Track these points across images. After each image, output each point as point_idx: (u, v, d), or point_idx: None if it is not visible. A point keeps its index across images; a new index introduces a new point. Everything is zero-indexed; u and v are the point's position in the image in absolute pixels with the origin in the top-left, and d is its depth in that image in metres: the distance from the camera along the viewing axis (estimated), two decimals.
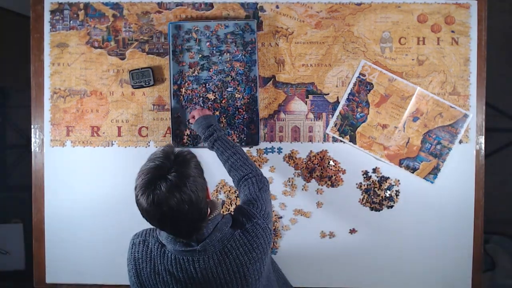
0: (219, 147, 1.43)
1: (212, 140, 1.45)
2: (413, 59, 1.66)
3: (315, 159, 1.66)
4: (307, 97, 1.68)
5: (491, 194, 2.68)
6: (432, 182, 1.66)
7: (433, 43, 1.66)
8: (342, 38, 1.67)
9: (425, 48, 1.66)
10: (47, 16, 1.69)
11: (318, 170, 1.66)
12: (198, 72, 1.66)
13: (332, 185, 1.66)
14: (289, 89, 1.68)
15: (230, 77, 1.66)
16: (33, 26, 1.70)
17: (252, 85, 1.65)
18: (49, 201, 1.70)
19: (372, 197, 1.67)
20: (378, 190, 1.66)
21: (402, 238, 1.68)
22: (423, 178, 1.66)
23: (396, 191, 1.66)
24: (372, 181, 1.66)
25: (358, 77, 1.66)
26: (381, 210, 1.67)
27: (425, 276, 1.68)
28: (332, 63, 1.67)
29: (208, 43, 1.66)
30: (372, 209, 1.67)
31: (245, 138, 1.66)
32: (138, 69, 1.66)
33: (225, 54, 1.66)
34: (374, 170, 1.67)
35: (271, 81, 1.68)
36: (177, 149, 1.16)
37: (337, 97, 1.67)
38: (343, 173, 1.66)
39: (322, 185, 1.66)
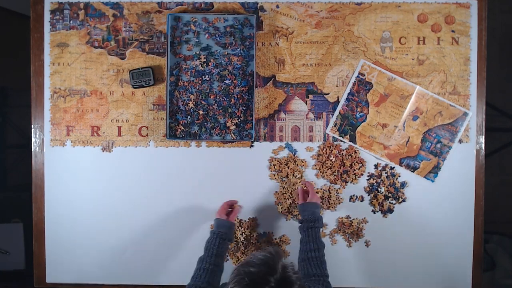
0: (309, 236, 1.45)
1: (308, 226, 1.46)
2: (413, 59, 1.66)
3: (325, 153, 1.66)
4: (307, 97, 1.68)
5: (491, 194, 2.69)
6: (432, 181, 1.66)
7: (433, 43, 1.66)
8: (342, 38, 1.67)
9: (425, 47, 1.66)
10: (47, 16, 1.69)
11: (337, 166, 1.66)
12: (195, 64, 1.66)
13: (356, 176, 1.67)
14: (289, 88, 1.68)
15: (227, 71, 1.66)
16: (33, 26, 1.70)
17: (249, 79, 1.65)
18: (49, 201, 1.70)
19: (373, 197, 1.67)
20: (380, 189, 1.66)
21: (402, 237, 1.67)
22: (424, 177, 1.67)
23: (398, 190, 1.66)
24: (376, 181, 1.66)
25: (358, 76, 1.66)
26: (382, 209, 1.67)
27: (425, 276, 1.68)
28: (332, 62, 1.67)
29: (206, 36, 1.66)
30: (373, 211, 1.68)
31: (240, 133, 1.66)
32: (138, 68, 1.66)
33: (223, 47, 1.66)
34: (376, 167, 1.67)
35: (271, 81, 1.68)
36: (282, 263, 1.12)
37: (337, 97, 1.67)
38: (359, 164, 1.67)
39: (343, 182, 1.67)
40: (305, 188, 1.61)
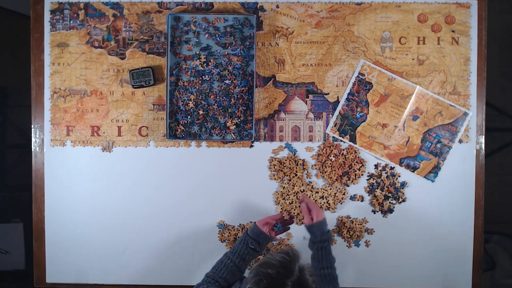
0: (322, 254, 1.40)
1: (321, 246, 1.42)
2: (413, 59, 1.66)
3: (325, 153, 1.66)
4: (307, 97, 1.68)
5: (491, 194, 2.69)
6: (432, 181, 1.66)
7: (433, 43, 1.66)
8: (342, 38, 1.67)
9: (425, 47, 1.66)
10: (47, 16, 1.69)
11: (336, 166, 1.65)
12: (195, 64, 1.66)
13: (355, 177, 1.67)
14: (289, 88, 1.68)
15: (227, 71, 1.66)
16: (33, 26, 1.70)
17: (249, 79, 1.65)
18: (49, 201, 1.70)
19: (373, 197, 1.67)
20: (380, 189, 1.66)
21: (402, 237, 1.68)
22: (424, 177, 1.67)
23: (398, 190, 1.66)
24: (376, 181, 1.66)
25: (358, 76, 1.66)
26: (382, 209, 1.67)
27: (425, 276, 1.68)
28: (332, 62, 1.67)
29: (206, 36, 1.66)
30: (373, 211, 1.68)
31: (240, 133, 1.66)
32: (138, 68, 1.66)
33: (223, 47, 1.66)
34: (376, 167, 1.67)
35: (271, 81, 1.68)
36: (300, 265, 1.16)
37: (337, 97, 1.67)
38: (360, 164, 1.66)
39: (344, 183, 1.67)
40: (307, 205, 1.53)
